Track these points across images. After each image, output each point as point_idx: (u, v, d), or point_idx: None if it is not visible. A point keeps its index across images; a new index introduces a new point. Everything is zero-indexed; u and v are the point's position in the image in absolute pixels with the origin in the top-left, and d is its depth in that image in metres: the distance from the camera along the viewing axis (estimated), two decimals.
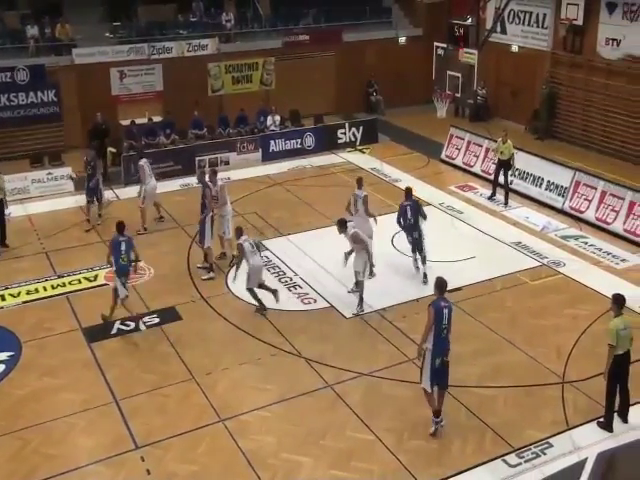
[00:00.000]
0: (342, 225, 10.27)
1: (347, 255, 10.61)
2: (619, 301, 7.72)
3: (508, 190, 14.55)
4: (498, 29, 19.74)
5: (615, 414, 7.88)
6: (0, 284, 11.36)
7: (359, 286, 10.49)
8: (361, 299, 10.41)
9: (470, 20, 21.08)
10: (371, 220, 11.33)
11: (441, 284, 7.84)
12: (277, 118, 18.66)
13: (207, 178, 11.79)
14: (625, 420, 7.92)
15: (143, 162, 13.30)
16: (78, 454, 7.70)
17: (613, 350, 7.58)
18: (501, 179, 14.55)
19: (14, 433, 8.01)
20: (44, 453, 7.70)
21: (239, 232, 10.44)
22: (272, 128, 18.35)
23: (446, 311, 7.60)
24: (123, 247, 9.82)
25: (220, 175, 15.72)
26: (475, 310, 10.38)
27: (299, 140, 17.74)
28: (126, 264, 9.87)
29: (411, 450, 7.66)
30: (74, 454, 7.70)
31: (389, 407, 8.34)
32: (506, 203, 14.47)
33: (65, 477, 7.38)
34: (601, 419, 7.90)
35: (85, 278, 11.51)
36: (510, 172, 14.60)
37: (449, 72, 20.06)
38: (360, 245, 10.22)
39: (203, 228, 11.46)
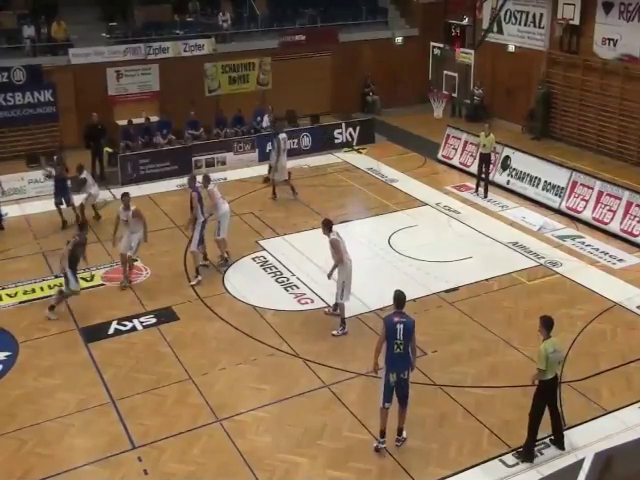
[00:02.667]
0: (327, 226, 9.65)
1: (332, 270, 9.73)
2: (548, 323, 7.30)
3: (487, 183, 14.71)
4: (494, 29, 19.75)
5: (550, 442, 7.52)
6: None
7: (338, 308, 9.85)
8: (342, 321, 9.73)
9: (466, 20, 21.11)
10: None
11: (398, 298, 7.48)
12: (268, 117, 18.62)
13: (197, 183, 11.51)
14: (562, 447, 7.49)
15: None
16: (74, 454, 7.68)
17: (542, 374, 7.17)
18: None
19: (10, 433, 7.98)
20: (40, 453, 7.67)
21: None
22: (269, 129, 18.33)
23: (400, 326, 7.23)
24: None
25: (217, 175, 15.83)
26: (472, 310, 10.39)
27: (296, 140, 17.73)
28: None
29: (408, 450, 7.65)
30: (70, 454, 7.68)
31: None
32: (485, 196, 14.61)
33: (61, 477, 7.35)
34: (520, 449, 7.42)
35: (82, 278, 11.45)
36: (492, 166, 14.74)
37: (445, 72, 20.05)
38: (338, 256, 9.48)
39: (192, 233, 11.36)
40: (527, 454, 7.42)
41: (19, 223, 13.77)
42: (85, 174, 13.53)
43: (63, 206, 13.49)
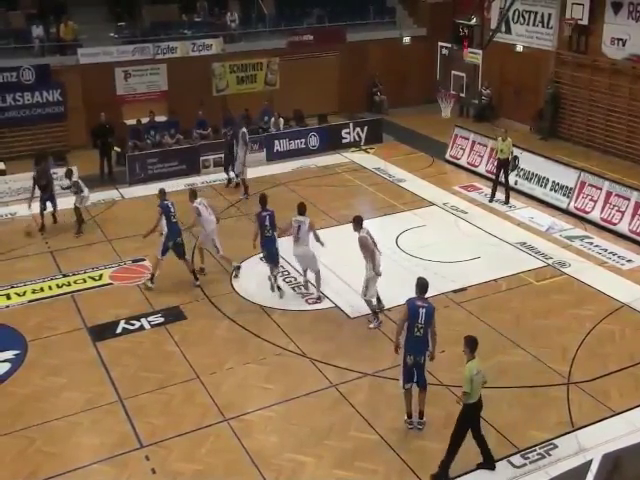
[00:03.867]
0: (358, 223, 9.70)
1: (375, 267, 9.68)
2: (472, 344, 6.99)
3: (508, 189, 14.51)
4: (503, 29, 19.68)
5: (479, 466, 7.26)
6: (6, 283, 11.39)
7: (368, 305, 9.93)
8: (374, 313, 9.92)
9: (474, 20, 21.07)
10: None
11: (422, 284, 7.88)
12: (281, 120, 18.66)
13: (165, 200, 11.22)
14: (493, 467, 7.27)
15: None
16: (82, 453, 7.71)
17: (467, 397, 6.92)
18: (503, 179, 14.52)
19: (18, 432, 8.03)
20: (48, 452, 7.71)
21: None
22: (273, 130, 18.37)
23: (422, 311, 7.61)
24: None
25: (225, 175, 15.85)
26: (480, 310, 10.36)
27: (303, 140, 17.74)
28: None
29: (415, 450, 7.65)
30: (78, 453, 7.71)
31: (393, 407, 8.31)
32: (507, 202, 14.43)
33: (69, 476, 7.39)
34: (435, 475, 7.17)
35: (90, 277, 11.53)
36: (511, 170, 14.58)
37: (453, 72, 20.06)
38: (366, 253, 9.62)
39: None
40: (441, 474, 7.14)
41: (28, 222, 13.79)
42: (75, 177, 13.47)
43: (47, 211, 13.27)
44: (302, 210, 10.60)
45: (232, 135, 15.67)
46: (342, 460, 7.53)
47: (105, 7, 19.70)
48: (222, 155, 16.23)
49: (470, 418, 7.12)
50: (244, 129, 15.15)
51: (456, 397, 7.25)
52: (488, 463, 7.33)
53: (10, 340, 9.77)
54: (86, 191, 13.36)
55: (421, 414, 7.91)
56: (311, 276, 10.88)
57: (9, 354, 9.44)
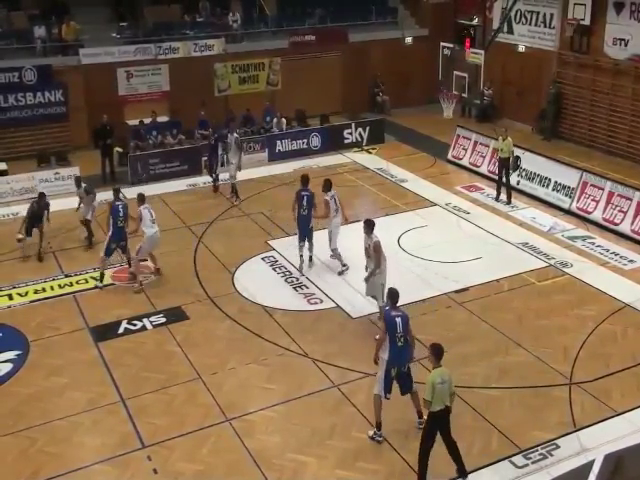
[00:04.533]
0: (370, 227, 9.75)
1: (370, 275, 9.72)
2: (437, 352, 6.96)
3: (510, 188, 14.50)
4: (505, 29, 19.67)
5: (456, 474, 7.18)
6: (8, 283, 11.41)
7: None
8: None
9: (476, 20, 21.07)
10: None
11: (394, 294, 7.85)
12: (283, 120, 18.65)
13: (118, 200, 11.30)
14: (465, 475, 7.19)
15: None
16: (84, 453, 7.72)
17: (429, 405, 6.86)
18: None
19: (20, 432, 8.04)
20: (50, 452, 7.72)
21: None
22: (275, 130, 18.37)
23: (399, 320, 7.58)
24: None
25: (226, 175, 15.83)
26: (481, 310, 10.35)
27: (305, 140, 17.74)
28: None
29: (417, 450, 7.60)
30: (80, 453, 7.72)
31: (395, 407, 8.30)
32: (509, 202, 14.42)
33: (71, 476, 7.40)
34: None
35: (92, 277, 11.53)
36: (512, 170, 14.55)
37: (455, 72, 20.00)
38: (379, 259, 9.55)
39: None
40: None
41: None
42: (85, 186, 12.78)
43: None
44: (328, 185, 11.45)
45: (216, 138, 15.47)
46: (344, 460, 7.53)
47: (107, 7, 19.72)
48: (224, 155, 16.23)
49: (434, 427, 7.02)
50: (236, 134, 14.88)
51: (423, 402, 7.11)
52: (461, 472, 7.22)
53: (12, 340, 9.79)
54: (97, 201, 12.92)
55: (420, 414, 7.87)
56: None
57: (11, 354, 9.46)
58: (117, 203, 11.17)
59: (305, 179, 11.64)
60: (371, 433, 7.80)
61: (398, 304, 7.84)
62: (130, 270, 11.46)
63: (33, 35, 18.04)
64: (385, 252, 9.73)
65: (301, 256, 11.59)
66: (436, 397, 6.86)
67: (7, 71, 17.07)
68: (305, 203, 11.30)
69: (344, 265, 11.40)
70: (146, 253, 11.28)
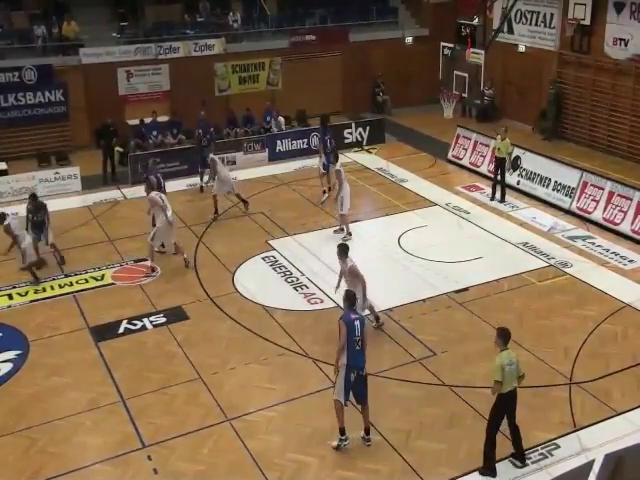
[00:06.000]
0: (344, 252, 9.41)
1: (363, 300, 9.45)
2: (505, 335, 7.11)
3: (504, 186, 14.52)
4: (505, 29, 19.66)
5: (512, 457, 7.34)
6: (8, 283, 11.41)
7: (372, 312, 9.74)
8: (376, 317, 9.83)
9: (477, 20, 21.03)
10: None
11: (351, 297, 7.85)
12: (281, 119, 18.65)
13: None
14: (523, 462, 7.33)
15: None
16: (85, 453, 7.72)
17: (499, 387, 6.96)
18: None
19: (21, 432, 8.04)
20: (51, 452, 7.72)
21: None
22: (274, 130, 18.36)
23: (357, 323, 7.51)
24: None
25: (233, 174, 15.80)
26: (482, 311, 10.35)
27: (306, 140, 17.74)
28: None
29: (418, 450, 7.64)
30: (80, 453, 7.72)
31: (395, 407, 8.33)
32: (502, 200, 14.43)
33: (72, 476, 7.40)
34: (481, 468, 7.23)
35: (92, 277, 11.54)
36: (509, 170, 14.58)
37: (456, 72, 19.96)
38: (357, 282, 9.28)
39: None
40: (489, 471, 7.21)
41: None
42: (9, 220, 11.33)
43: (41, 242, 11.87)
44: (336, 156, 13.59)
45: (208, 140, 15.31)
46: (344, 460, 7.52)
47: (108, 7, 19.72)
48: (224, 155, 16.25)
49: (503, 409, 7.14)
50: (212, 155, 14.12)
51: (490, 388, 7.18)
52: (520, 457, 7.36)
53: (12, 340, 9.80)
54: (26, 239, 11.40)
55: (367, 430, 7.68)
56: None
57: (11, 354, 9.46)
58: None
59: (325, 119, 15.05)
60: (335, 443, 7.64)
61: (355, 307, 7.83)
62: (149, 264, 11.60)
63: (34, 35, 18.03)
64: (385, 252, 9.67)
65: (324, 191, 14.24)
66: (506, 379, 6.97)
67: (8, 71, 17.07)
68: (329, 145, 14.37)
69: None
70: (158, 241, 11.52)
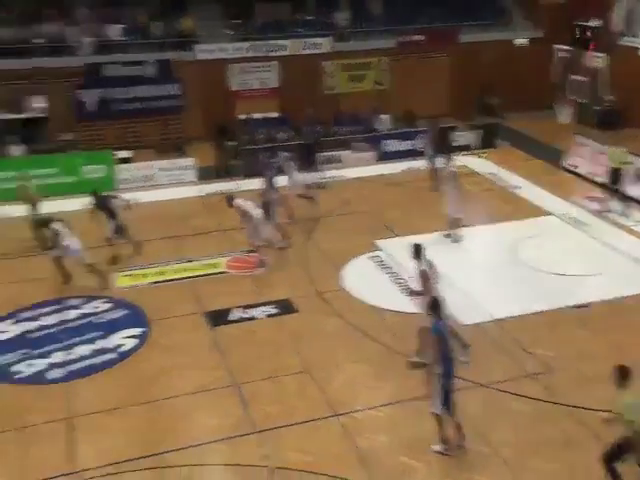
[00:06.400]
0: (418, 252, 8.99)
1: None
2: (622, 374, 6.59)
3: (624, 199, 13.77)
4: (629, 31, 18.56)
5: None
6: (132, 265, 12.01)
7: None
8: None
9: (597, 22, 19.99)
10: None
11: (435, 304, 7.64)
12: (384, 118, 18.52)
13: None
14: None
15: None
16: (201, 432, 8.01)
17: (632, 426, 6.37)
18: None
19: (147, 404, 8.46)
20: (171, 427, 8.07)
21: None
22: (381, 129, 18.31)
23: (444, 330, 7.49)
24: None
25: (332, 173, 15.96)
26: (604, 330, 9.77)
27: (413, 141, 17.54)
28: None
29: (531, 468, 7.34)
30: (197, 431, 8.02)
31: (506, 421, 8.06)
32: (623, 213, 13.65)
33: (191, 451, 7.69)
34: None
35: (208, 264, 11.97)
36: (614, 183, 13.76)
37: (572, 76, 19.16)
38: (427, 287, 8.74)
39: None
40: None
41: (150, 209, 14.44)
42: (57, 226, 11.10)
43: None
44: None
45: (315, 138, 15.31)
46: (451, 470, 7.35)
47: (221, 5, 20.35)
48: (332, 153, 16.41)
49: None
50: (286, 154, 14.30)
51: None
52: None
53: (137, 318, 10.37)
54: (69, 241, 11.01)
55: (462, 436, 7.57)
56: None
57: (137, 331, 10.02)
58: None
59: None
60: (437, 447, 7.54)
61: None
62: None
63: (153, 31, 18.80)
64: (499, 259, 9.30)
65: None
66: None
67: (131, 65, 18.01)
68: None
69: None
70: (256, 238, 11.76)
